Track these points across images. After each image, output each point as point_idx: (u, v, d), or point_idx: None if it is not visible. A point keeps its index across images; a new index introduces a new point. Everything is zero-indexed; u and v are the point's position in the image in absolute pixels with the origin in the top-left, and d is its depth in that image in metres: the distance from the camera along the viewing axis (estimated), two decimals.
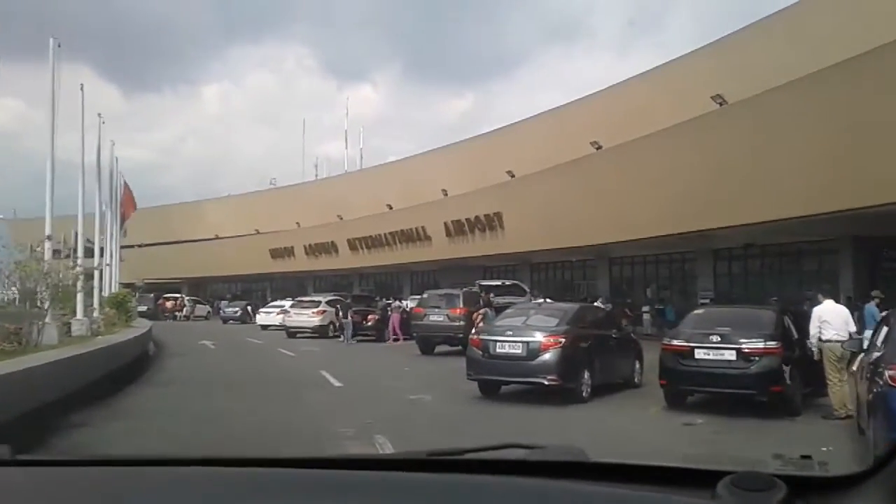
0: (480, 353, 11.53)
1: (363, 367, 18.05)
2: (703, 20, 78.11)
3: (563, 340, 11.07)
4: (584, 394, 11.19)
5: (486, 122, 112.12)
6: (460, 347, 18.34)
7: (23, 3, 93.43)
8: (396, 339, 24.94)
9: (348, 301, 28.41)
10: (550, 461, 1.46)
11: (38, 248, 13.08)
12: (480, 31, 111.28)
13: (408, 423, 9.70)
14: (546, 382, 10.92)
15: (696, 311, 11.57)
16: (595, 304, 21.85)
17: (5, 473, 1.52)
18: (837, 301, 11.54)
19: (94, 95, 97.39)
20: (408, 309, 26.41)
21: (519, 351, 11.14)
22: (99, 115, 21.91)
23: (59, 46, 14.33)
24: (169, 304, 49.24)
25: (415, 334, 21.93)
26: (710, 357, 10.06)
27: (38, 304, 12.75)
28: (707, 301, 27.02)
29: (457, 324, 20.38)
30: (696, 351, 10.16)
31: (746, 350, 9.91)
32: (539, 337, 11.16)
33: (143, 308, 48.69)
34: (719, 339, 10.11)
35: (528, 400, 11.25)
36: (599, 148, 25.93)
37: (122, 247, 50.47)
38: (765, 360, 9.83)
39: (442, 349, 20.96)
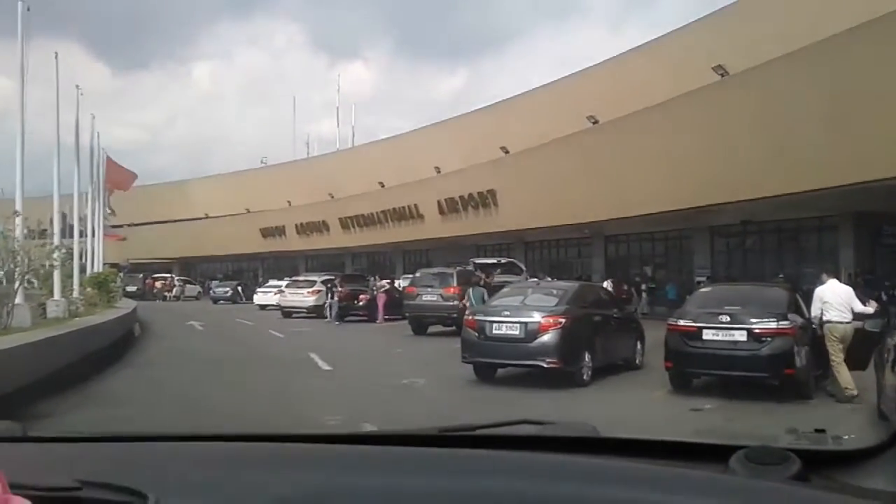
0: (476, 334, 10.88)
1: (354, 348, 17.48)
2: None
3: (563, 321, 10.44)
4: (584, 377, 10.62)
5: (480, 100, 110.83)
6: (454, 328, 17.96)
7: None
8: (387, 320, 24.54)
9: (336, 281, 27.85)
10: (562, 436, 1.47)
11: (9, 226, 12.35)
12: (472, 8, 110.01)
13: (399, 410, 9.15)
14: (545, 365, 10.30)
15: (702, 289, 10.90)
16: (605, 284, 21.27)
17: (18, 449, 1.52)
18: (839, 279, 11.03)
19: (82, 72, 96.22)
20: (399, 288, 25.95)
21: (516, 332, 10.51)
22: (77, 86, 21.11)
23: (28, 10, 13.58)
24: (158, 284, 48.66)
25: (407, 314, 21.42)
26: (719, 338, 9.48)
27: (6, 283, 12.07)
28: (704, 279, 26.80)
29: (450, 303, 19.81)
30: (704, 332, 9.58)
31: (758, 330, 9.31)
32: (537, 317, 10.52)
33: (132, 288, 48.40)
34: (728, 318, 9.53)
35: (525, 383, 10.67)
36: (596, 123, 25.30)
37: (113, 226, 50.08)
38: (777, 342, 9.25)
39: (435, 329, 20.49)
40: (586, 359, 10.67)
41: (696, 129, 20.14)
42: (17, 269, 11.94)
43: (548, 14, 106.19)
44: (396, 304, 23.97)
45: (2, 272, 11.97)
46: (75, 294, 17.85)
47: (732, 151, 18.75)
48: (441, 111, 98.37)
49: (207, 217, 55.47)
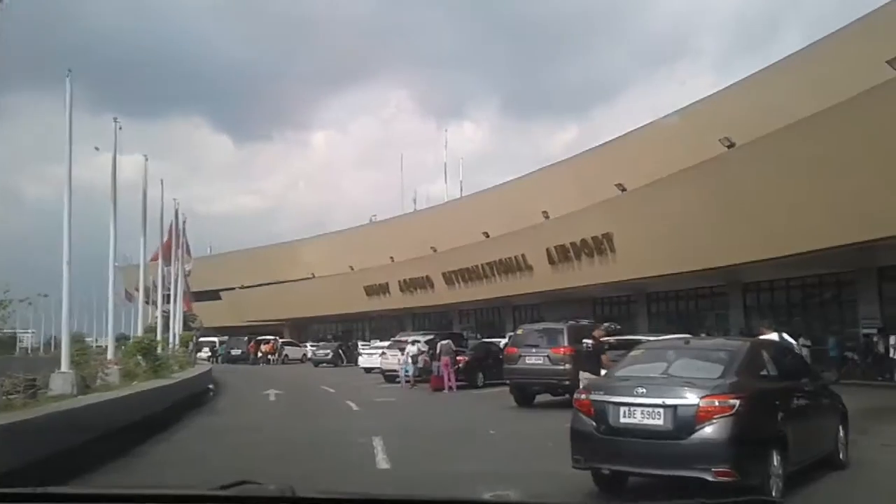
0: (593, 423, 6.93)
1: (436, 428, 13.65)
2: (812, 31, 71.49)
3: (737, 403, 6.41)
4: (773, 492, 6.44)
5: None
6: (567, 397, 14.29)
7: (141, 62, 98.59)
8: (450, 388, 21.19)
9: (434, 340, 24.51)
10: None
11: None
12: (578, 62, 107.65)
13: None
14: (710, 478, 6.22)
15: None
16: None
17: None
18: None
19: (207, 146, 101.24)
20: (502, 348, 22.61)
21: (659, 421, 6.55)
22: (145, 157, 21.71)
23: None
24: (264, 347, 47.43)
25: (508, 380, 17.80)
26: None
27: None
28: (874, 331, 22.34)
29: (561, 367, 16.08)
30: None
31: None
32: (693, 398, 6.49)
33: (237, 352, 47.80)
34: None
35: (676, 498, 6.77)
36: (732, 146, 21.23)
37: (226, 288, 49.95)
38: None
39: (543, 398, 16.86)
40: (775, 462, 6.61)
41: (868, 141, 16.00)
42: None
43: (657, 62, 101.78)
44: (492, 367, 21.36)
45: None
46: (111, 364, 15.16)
47: None
48: None
49: (314, 277, 54.45)
